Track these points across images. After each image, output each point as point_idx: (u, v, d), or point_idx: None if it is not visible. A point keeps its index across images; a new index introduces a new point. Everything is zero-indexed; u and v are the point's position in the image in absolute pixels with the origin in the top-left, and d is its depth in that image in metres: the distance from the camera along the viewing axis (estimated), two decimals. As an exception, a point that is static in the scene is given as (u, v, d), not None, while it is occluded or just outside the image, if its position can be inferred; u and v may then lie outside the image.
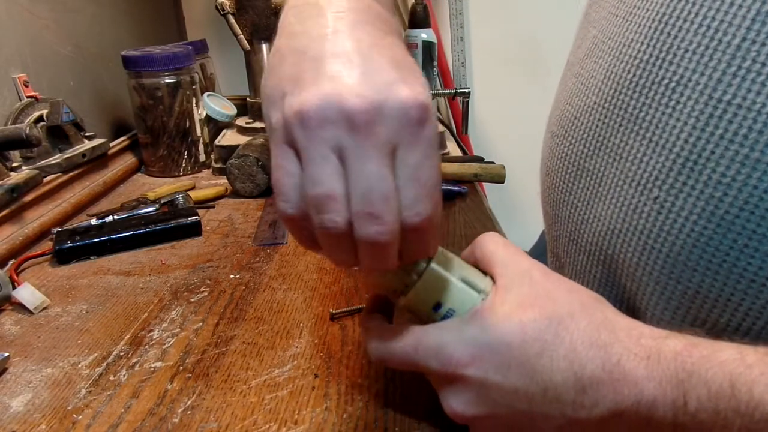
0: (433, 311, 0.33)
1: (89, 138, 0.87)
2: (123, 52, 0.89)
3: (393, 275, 0.33)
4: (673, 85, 0.33)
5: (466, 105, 1.17)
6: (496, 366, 0.30)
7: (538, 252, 0.68)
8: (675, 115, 0.33)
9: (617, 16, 0.39)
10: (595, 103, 0.40)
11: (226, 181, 0.82)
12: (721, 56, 0.31)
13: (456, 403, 0.32)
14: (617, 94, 0.37)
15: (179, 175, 0.94)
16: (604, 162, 0.39)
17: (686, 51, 0.32)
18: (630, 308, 0.40)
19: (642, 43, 0.35)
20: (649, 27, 0.35)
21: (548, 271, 0.33)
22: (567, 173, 0.43)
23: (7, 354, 0.46)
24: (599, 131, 0.39)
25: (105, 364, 0.45)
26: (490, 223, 0.70)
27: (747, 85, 0.30)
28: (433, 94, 1.03)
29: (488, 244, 0.35)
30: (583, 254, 0.42)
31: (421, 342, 0.32)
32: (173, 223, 0.69)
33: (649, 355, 0.28)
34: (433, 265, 0.33)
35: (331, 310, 0.51)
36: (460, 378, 0.31)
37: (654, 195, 0.35)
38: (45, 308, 0.54)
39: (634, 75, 0.36)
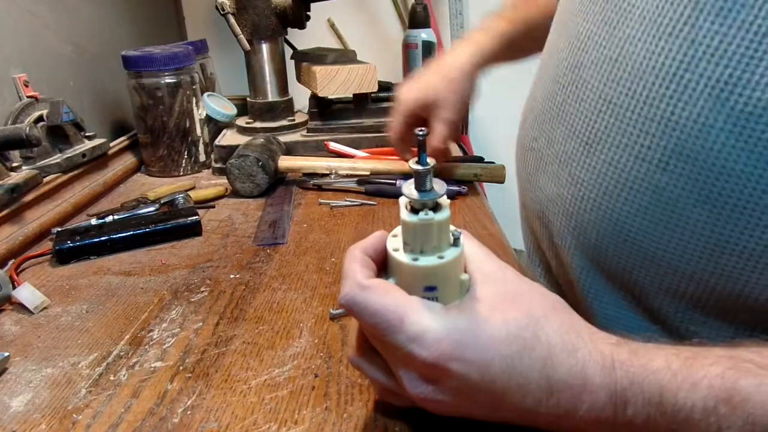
0: (422, 291, 0.32)
1: (89, 138, 0.87)
2: (123, 52, 0.89)
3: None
4: (580, 86, 0.45)
5: (466, 105, 1.17)
6: (479, 363, 0.30)
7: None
8: (580, 108, 0.44)
9: (557, 30, 0.51)
10: (540, 96, 0.51)
11: (226, 181, 0.82)
12: (609, 68, 0.42)
13: (423, 389, 0.31)
14: (552, 91, 0.49)
15: (179, 175, 0.94)
16: (543, 144, 0.50)
17: (589, 63, 0.44)
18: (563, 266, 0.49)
19: (567, 55, 0.47)
20: (570, 43, 0.46)
21: (519, 273, 0.34)
22: (521, 150, 0.55)
23: (7, 354, 0.46)
24: (541, 119, 0.50)
25: (105, 364, 0.46)
26: (490, 223, 0.70)
27: (619, 89, 0.41)
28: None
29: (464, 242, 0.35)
30: (533, 218, 0.54)
31: (408, 314, 0.31)
32: (173, 223, 0.69)
33: (605, 363, 0.31)
34: (462, 246, 0.32)
35: (331, 310, 0.51)
36: (440, 369, 0.30)
37: (570, 170, 0.46)
38: (45, 308, 0.54)
39: (562, 77, 0.47)
